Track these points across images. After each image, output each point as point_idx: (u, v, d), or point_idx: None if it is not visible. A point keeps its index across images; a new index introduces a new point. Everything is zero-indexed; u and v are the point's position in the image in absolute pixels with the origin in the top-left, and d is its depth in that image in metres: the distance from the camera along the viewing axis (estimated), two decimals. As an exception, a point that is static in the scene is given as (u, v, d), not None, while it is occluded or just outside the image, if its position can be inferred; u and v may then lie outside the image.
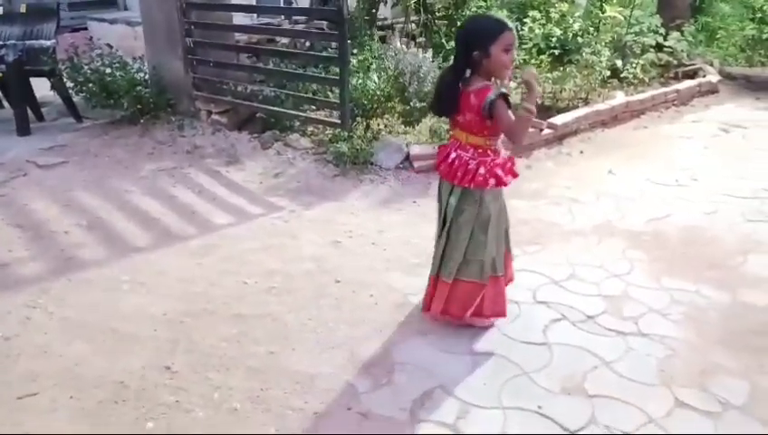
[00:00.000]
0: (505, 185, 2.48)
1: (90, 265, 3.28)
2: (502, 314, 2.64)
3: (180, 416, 2.24)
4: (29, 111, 5.64)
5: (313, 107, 5.23)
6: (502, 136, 2.44)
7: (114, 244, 3.51)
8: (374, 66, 5.17)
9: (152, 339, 2.65)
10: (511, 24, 2.33)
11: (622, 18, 6.32)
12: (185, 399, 2.32)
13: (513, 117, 2.32)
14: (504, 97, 2.31)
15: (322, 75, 5.35)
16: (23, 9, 6.31)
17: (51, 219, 3.80)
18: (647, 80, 6.13)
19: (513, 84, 2.58)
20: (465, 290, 2.54)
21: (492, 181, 2.42)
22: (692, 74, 6.48)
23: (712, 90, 6.32)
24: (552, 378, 2.39)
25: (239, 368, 2.48)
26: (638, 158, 4.72)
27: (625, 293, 2.96)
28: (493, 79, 2.38)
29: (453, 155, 2.46)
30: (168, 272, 3.17)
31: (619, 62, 5.94)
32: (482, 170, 2.41)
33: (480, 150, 2.43)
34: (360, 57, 5.27)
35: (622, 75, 6.00)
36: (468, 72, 2.39)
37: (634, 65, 6.01)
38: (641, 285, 3.01)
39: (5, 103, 6.14)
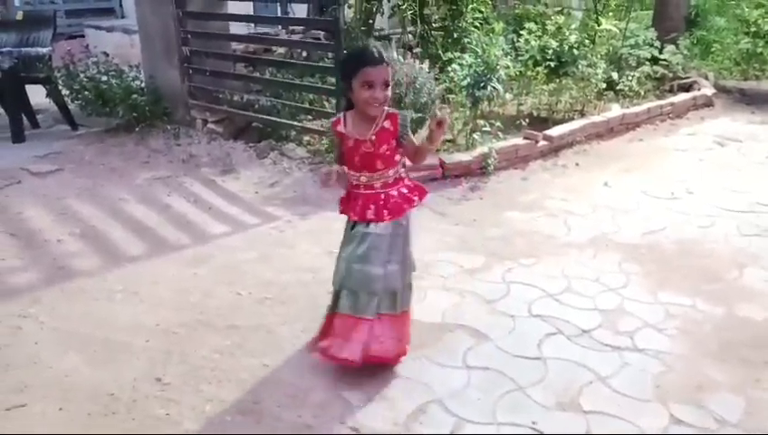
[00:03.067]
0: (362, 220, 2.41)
1: (83, 275, 3.25)
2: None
3: (170, 428, 2.22)
4: (24, 119, 5.63)
5: (309, 117, 5.23)
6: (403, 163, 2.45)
7: (108, 253, 3.48)
8: (371, 77, 5.16)
9: (145, 350, 2.62)
10: (378, 58, 2.22)
11: (618, 31, 6.37)
12: (175, 411, 2.29)
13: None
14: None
15: (319, 85, 5.35)
16: (19, 16, 6.34)
17: (44, 228, 3.78)
18: (642, 92, 6.15)
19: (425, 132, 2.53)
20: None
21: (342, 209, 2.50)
22: (687, 87, 6.50)
23: (707, 103, 6.35)
24: (546, 393, 2.37)
25: (232, 380, 2.45)
26: (634, 170, 4.73)
27: (620, 307, 2.95)
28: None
29: None
30: (162, 282, 3.14)
31: (614, 75, 5.96)
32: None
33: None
34: (357, 67, 5.25)
35: (618, 88, 6.02)
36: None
37: (630, 78, 6.04)
38: (637, 299, 3.00)
39: (0, 110, 6.13)
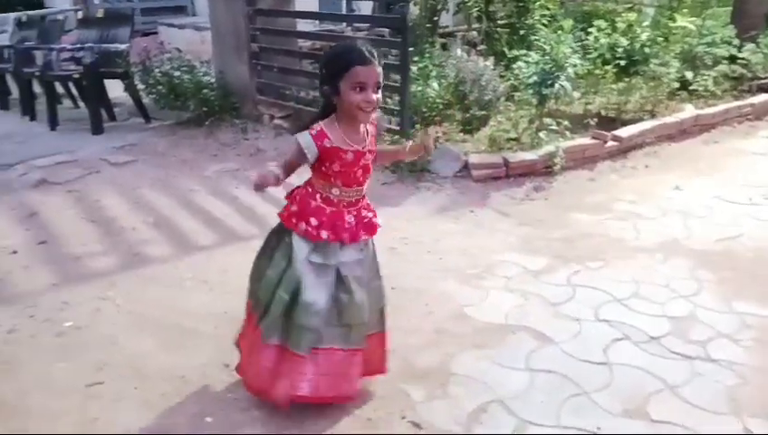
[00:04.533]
0: (317, 239, 2.11)
1: (156, 262, 3.40)
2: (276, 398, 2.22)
3: (237, 414, 2.28)
4: (102, 112, 5.92)
5: (373, 113, 5.25)
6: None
7: (179, 241, 3.63)
8: (434, 74, 5.17)
9: (213, 336, 2.71)
10: (369, 56, 1.96)
11: (693, 28, 6.10)
12: (242, 396, 2.36)
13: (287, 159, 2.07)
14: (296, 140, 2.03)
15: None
16: (100, 14, 6.64)
17: (120, 216, 3.97)
18: (719, 93, 5.88)
19: (409, 142, 2.30)
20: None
21: (301, 226, 2.12)
22: (767, 88, 6.18)
23: (790, 105, 6.01)
24: (612, 399, 2.32)
25: (296, 369, 2.50)
26: (708, 174, 4.53)
27: (692, 314, 2.84)
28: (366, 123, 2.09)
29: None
30: (231, 271, 3.25)
31: (688, 74, 5.73)
32: (294, 208, 2.15)
33: (309, 190, 2.15)
34: (421, 64, 5.28)
35: (692, 88, 5.78)
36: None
37: (705, 77, 5.78)
38: (709, 308, 2.89)
39: (80, 103, 6.46)
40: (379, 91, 2.01)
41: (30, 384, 2.42)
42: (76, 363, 2.55)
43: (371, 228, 2.22)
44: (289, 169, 2.09)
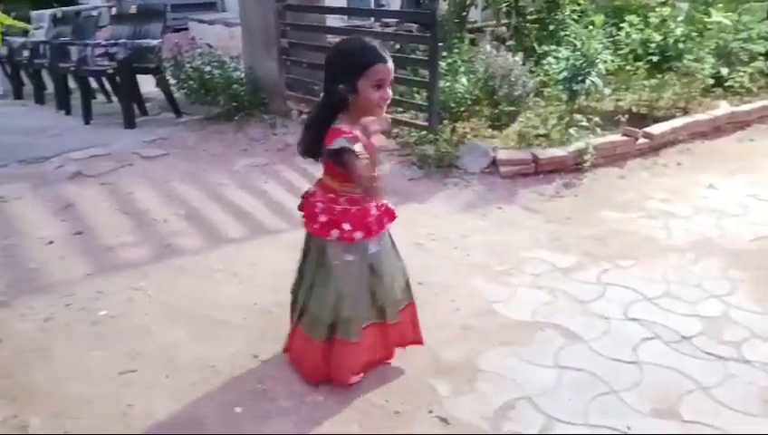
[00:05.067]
0: (351, 241, 2.14)
1: (187, 253, 3.46)
2: (343, 382, 2.36)
3: (266, 404, 2.31)
4: (134, 106, 6.03)
5: (400, 109, 5.27)
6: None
7: (209, 234, 3.68)
8: (462, 69, 5.15)
9: (243, 327, 2.76)
10: (386, 56, 1.99)
11: (729, 23, 5.96)
12: (271, 387, 2.39)
13: (358, 166, 1.99)
14: (348, 150, 1.97)
15: (411, 77, 5.38)
16: (133, 10, 6.75)
17: (152, 208, 4.04)
18: (755, 89, 5.75)
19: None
20: (299, 341, 2.38)
21: (334, 233, 2.14)
22: (806, 85, 6.01)
23: (829, 102, 5.84)
24: (642, 398, 2.29)
25: (324, 362, 2.53)
26: (743, 172, 4.43)
27: (725, 315, 2.79)
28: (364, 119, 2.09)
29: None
30: (259, 264, 3.29)
31: (723, 71, 5.60)
32: (323, 218, 2.15)
33: (331, 195, 2.15)
34: (449, 60, 5.26)
35: (727, 84, 5.65)
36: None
37: (740, 74, 5.65)
38: (744, 308, 2.83)
39: (113, 98, 6.59)
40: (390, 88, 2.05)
41: (65, 371, 2.49)
42: (110, 352, 2.61)
43: (391, 214, 2.30)
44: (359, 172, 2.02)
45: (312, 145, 2.12)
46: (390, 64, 2.01)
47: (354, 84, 1.98)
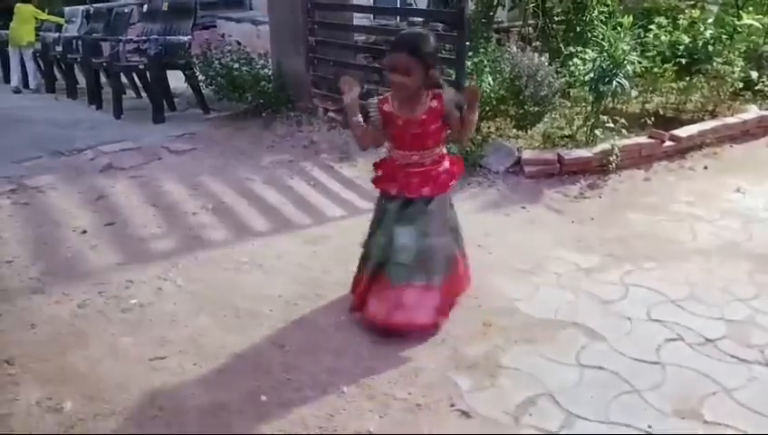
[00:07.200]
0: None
1: (214, 245, 3.53)
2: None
3: (291, 393, 2.36)
4: (164, 102, 6.15)
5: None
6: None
7: (236, 227, 3.76)
8: (488, 69, 5.15)
9: (268, 318, 2.81)
10: (393, 47, 2.51)
11: (759, 26, 5.87)
12: (295, 377, 2.44)
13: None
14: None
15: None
16: (164, 6, 6.87)
17: (181, 201, 4.14)
18: (785, 94, 5.66)
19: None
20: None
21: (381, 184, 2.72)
22: (840, 89, 5.89)
23: None
24: (664, 399, 2.29)
25: (347, 353, 2.57)
26: (771, 177, 4.38)
27: (750, 319, 2.77)
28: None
29: None
30: (285, 256, 3.35)
31: (754, 74, 5.53)
32: (379, 172, 2.70)
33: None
34: (475, 59, 5.27)
35: (757, 88, 5.58)
36: None
37: (772, 78, 5.58)
38: (769, 313, 2.81)
39: (143, 93, 6.73)
40: None
41: (99, 355, 2.57)
42: (140, 338, 2.69)
43: (437, 186, 2.60)
44: (363, 114, 2.60)
45: None
46: (396, 55, 2.44)
47: (433, 67, 2.50)
